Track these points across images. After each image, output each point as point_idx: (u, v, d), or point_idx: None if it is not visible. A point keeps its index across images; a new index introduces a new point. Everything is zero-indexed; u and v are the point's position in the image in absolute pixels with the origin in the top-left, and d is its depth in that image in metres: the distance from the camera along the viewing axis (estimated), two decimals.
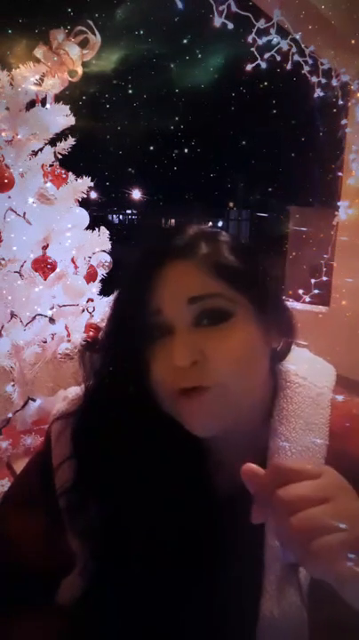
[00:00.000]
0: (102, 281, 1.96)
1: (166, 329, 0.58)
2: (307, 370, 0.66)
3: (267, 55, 2.25)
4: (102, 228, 1.94)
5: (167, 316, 0.57)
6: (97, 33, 1.78)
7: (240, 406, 0.58)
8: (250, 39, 2.18)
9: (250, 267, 0.61)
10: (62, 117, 1.75)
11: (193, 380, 0.56)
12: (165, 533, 0.58)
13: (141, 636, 0.58)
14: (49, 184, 1.71)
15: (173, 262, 0.58)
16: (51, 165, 1.79)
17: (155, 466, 0.60)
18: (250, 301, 0.59)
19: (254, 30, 2.14)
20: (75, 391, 0.70)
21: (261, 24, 2.13)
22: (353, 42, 2.42)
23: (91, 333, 1.71)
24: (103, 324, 0.66)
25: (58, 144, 1.79)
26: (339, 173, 2.94)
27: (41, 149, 1.78)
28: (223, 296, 0.57)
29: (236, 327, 0.57)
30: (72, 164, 1.87)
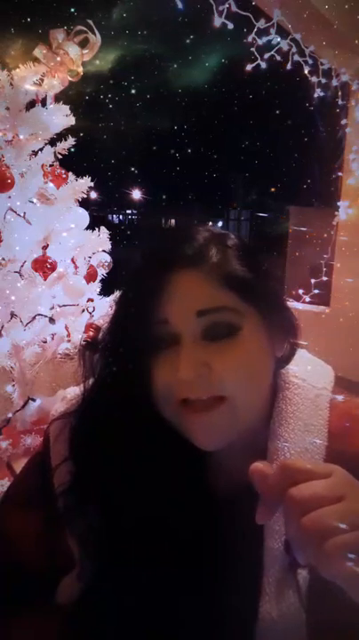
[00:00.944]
0: (102, 281, 1.96)
1: (172, 339, 0.57)
2: (306, 371, 0.66)
3: (266, 55, 2.25)
4: (102, 228, 1.94)
5: (174, 327, 0.57)
6: (97, 33, 1.78)
7: (247, 418, 0.58)
8: (250, 39, 2.18)
9: (259, 277, 0.60)
10: (62, 117, 1.75)
11: (197, 391, 0.56)
12: (164, 534, 0.58)
13: (141, 637, 0.58)
14: (49, 184, 1.71)
15: (182, 271, 0.57)
16: (51, 165, 1.79)
17: (153, 467, 0.59)
18: (258, 312, 0.58)
19: (254, 30, 2.14)
20: (73, 391, 0.70)
21: (261, 24, 2.13)
22: (356, 42, 2.42)
23: (91, 333, 1.71)
24: (103, 324, 0.66)
25: (58, 144, 1.79)
26: (339, 173, 2.94)
27: (41, 149, 1.77)
28: (232, 309, 0.57)
29: (244, 340, 0.57)
30: (72, 163, 1.87)
